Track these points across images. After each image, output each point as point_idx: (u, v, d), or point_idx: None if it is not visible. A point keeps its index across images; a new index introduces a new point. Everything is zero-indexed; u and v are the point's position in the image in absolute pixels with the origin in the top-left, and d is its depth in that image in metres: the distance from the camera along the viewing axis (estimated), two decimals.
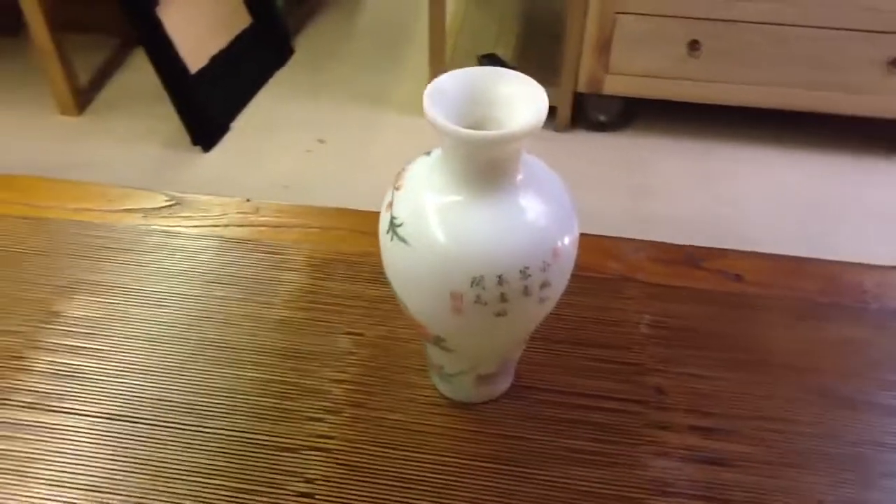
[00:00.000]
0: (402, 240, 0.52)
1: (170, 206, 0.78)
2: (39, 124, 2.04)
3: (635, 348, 0.67)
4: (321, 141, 2.03)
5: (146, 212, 0.78)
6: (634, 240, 0.77)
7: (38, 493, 0.56)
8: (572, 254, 0.54)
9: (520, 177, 0.52)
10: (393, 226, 0.53)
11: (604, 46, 1.92)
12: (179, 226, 0.76)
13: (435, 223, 0.51)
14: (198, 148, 1.98)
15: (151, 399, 0.62)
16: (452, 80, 0.51)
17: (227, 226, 0.76)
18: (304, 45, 2.34)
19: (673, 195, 1.89)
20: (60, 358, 0.65)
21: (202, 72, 1.98)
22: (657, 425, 0.62)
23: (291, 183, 1.89)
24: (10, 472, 0.57)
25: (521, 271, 0.50)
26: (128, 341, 0.66)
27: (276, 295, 0.70)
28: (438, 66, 2.03)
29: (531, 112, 0.49)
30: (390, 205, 0.54)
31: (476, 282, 0.50)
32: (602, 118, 2.07)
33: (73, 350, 0.65)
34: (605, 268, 0.73)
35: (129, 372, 0.64)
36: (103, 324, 0.67)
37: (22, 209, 0.77)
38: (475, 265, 0.50)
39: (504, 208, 0.51)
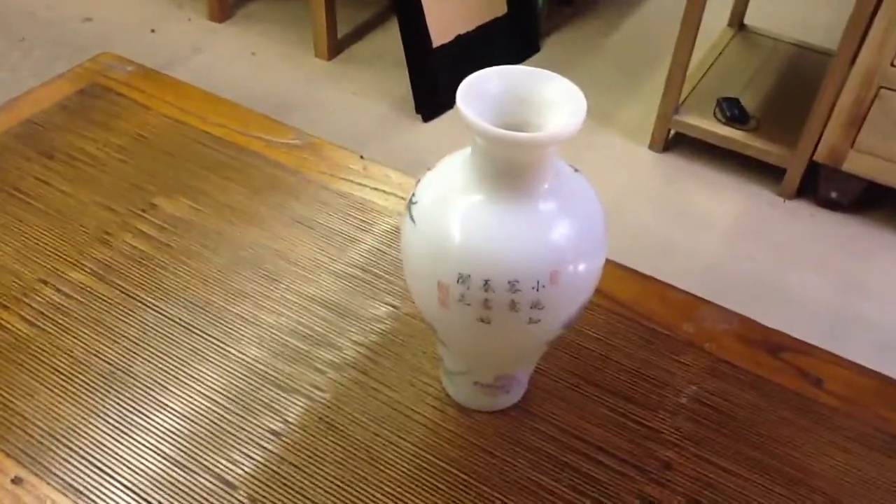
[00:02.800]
0: (412, 218, 0.51)
1: (296, 144, 0.82)
2: (296, 60, 2.22)
3: (663, 415, 0.61)
4: None
5: (272, 144, 0.82)
6: (726, 309, 0.70)
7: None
8: (584, 284, 0.51)
9: (545, 186, 0.49)
10: (410, 203, 0.52)
11: (855, 119, 1.75)
12: (295, 164, 0.80)
13: (441, 211, 0.50)
14: (418, 116, 2.06)
15: (194, 302, 0.66)
16: (496, 77, 0.49)
17: (332, 175, 0.79)
18: (551, 46, 2.35)
19: (890, 300, 1.69)
20: (137, 243, 0.71)
21: (444, 47, 2.05)
22: (647, 499, 0.56)
23: None
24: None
25: (509, 283, 0.48)
26: (195, 246, 0.71)
27: (344, 249, 0.72)
28: (672, 99, 1.96)
29: (565, 120, 0.47)
30: (418, 182, 0.53)
31: (462, 279, 0.49)
32: (834, 195, 1.90)
33: (151, 240, 0.71)
34: (675, 327, 0.68)
35: (184, 270, 0.69)
36: (185, 227, 0.73)
37: (174, 111, 0.85)
38: (463, 262, 0.48)
39: (512, 215, 0.49)
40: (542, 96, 0.49)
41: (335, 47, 2.22)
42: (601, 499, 0.56)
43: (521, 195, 0.49)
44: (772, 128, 1.94)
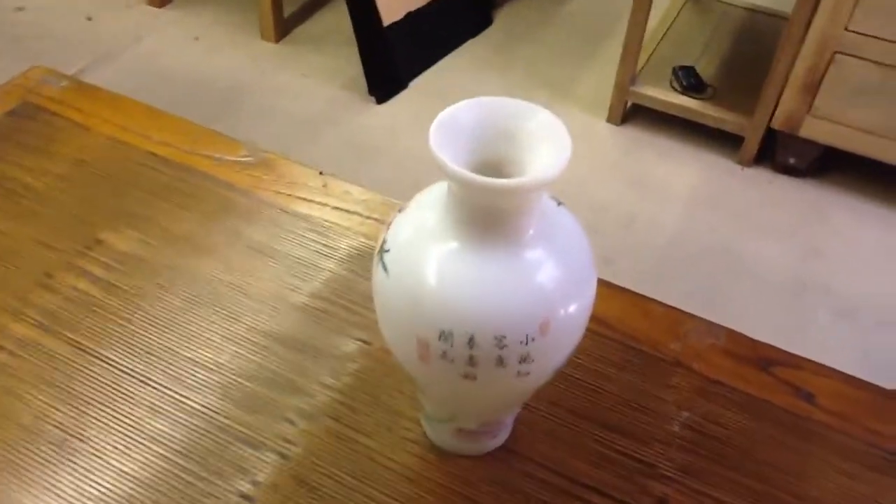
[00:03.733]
0: (384, 266, 0.47)
1: (248, 162, 0.77)
2: (242, 44, 2.13)
3: (657, 447, 0.59)
4: None
5: (223, 162, 0.77)
6: (712, 323, 0.67)
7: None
8: (576, 325, 0.47)
9: (530, 233, 0.45)
10: (382, 249, 0.48)
11: (811, 85, 1.74)
12: (249, 184, 0.75)
13: (416, 260, 0.46)
14: (372, 98, 2.00)
15: (149, 350, 0.61)
16: (473, 108, 0.45)
17: (289, 195, 0.74)
18: (503, 19, 2.30)
19: (848, 265, 1.70)
20: (83, 285, 0.66)
21: (394, 25, 1.99)
22: None
23: None
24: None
25: (496, 338, 0.44)
26: (146, 286, 0.66)
27: (308, 279, 0.67)
28: (629, 69, 1.92)
29: (550, 159, 0.43)
30: (390, 225, 0.49)
31: (444, 336, 0.45)
32: (792, 161, 1.89)
33: (98, 281, 0.66)
34: (661, 346, 0.65)
35: (137, 315, 0.64)
36: (135, 264, 0.67)
37: (115, 130, 0.79)
38: (444, 318, 0.44)
39: (495, 265, 0.45)
40: (522, 129, 0.45)
41: (282, 28, 2.14)
42: None
43: (505, 242, 0.45)
44: (728, 95, 1.93)
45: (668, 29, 2.15)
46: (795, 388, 0.63)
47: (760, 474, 0.58)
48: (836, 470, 0.58)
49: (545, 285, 0.45)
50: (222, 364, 0.61)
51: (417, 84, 2.04)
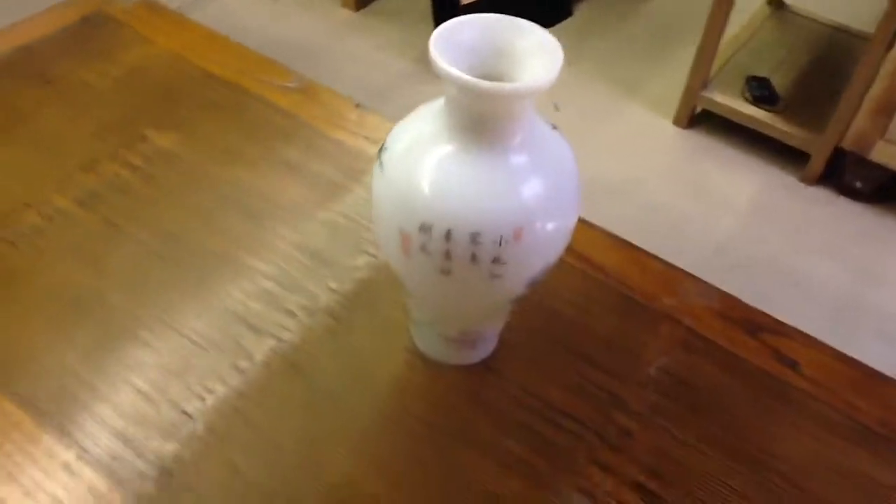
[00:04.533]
0: (381, 164, 0.51)
1: (293, 87, 0.82)
2: (319, 8, 2.20)
3: (631, 386, 0.61)
4: (556, 107, 2.00)
5: (270, 86, 0.82)
6: (709, 284, 0.69)
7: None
8: (550, 244, 0.50)
9: (516, 140, 0.48)
10: (381, 149, 0.52)
11: (887, 108, 1.71)
12: (290, 107, 0.79)
13: (408, 159, 0.49)
14: None
15: (173, 236, 0.66)
16: (474, 25, 0.48)
17: (326, 121, 0.78)
18: (583, 13, 2.31)
19: None
20: (123, 173, 0.71)
21: (472, 6, 2.02)
22: (602, 465, 0.56)
23: None
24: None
25: (470, 235, 0.47)
26: (180, 181, 0.71)
27: (331, 196, 0.71)
28: (701, 73, 1.92)
29: (539, 72, 0.46)
30: (392, 130, 0.52)
31: (424, 228, 0.48)
32: (857, 184, 1.86)
33: (137, 171, 0.71)
34: (654, 298, 0.67)
35: (167, 204, 0.69)
36: (173, 161, 0.72)
37: (175, 46, 0.84)
38: (425, 211, 0.48)
39: (479, 167, 0.48)
40: (519, 48, 0.48)
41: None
42: (556, 461, 0.56)
43: (491, 148, 0.48)
44: (800, 111, 1.90)
45: (748, 38, 2.13)
46: (780, 355, 0.64)
47: (730, 425, 0.59)
48: (808, 434, 0.60)
49: (522, 192, 0.48)
50: (238, 257, 0.65)
51: None
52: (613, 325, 0.65)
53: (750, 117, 1.92)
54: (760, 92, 1.94)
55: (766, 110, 1.92)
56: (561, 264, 0.67)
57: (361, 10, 2.21)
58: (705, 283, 0.69)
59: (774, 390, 0.62)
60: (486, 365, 0.61)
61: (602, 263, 0.69)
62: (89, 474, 0.52)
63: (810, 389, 0.62)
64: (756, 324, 0.66)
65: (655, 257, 0.70)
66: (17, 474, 0.52)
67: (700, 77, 1.93)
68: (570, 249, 0.68)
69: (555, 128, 0.52)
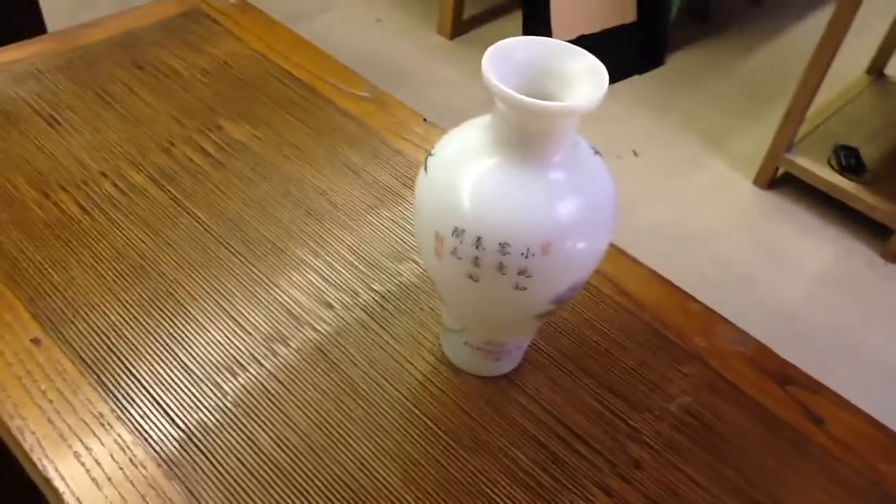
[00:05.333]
0: (426, 168, 0.53)
1: (365, 96, 0.85)
2: (417, 33, 2.26)
3: (649, 418, 0.61)
4: (635, 153, 2.01)
5: (344, 92, 0.85)
6: (745, 333, 0.69)
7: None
8: (578, 263, 0.52)
9: (556, 158, 0.50)
10: (428, 155, 0.54)
11: None
12: (360, 114, 0.83)
13: (451, 165, 0.52)
14: None
15: (232, 220, 0.70)
16: (524, 46, 0.50)
17: (393, 131, 0.82)
18: (677, 62, 2.31)
19: None
20: (196, 157, 0.75)
21: None
22: (607, 490, 0.57)
23: None
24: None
25: (500, 244, 0.49)
26: (247, 171, 0.75)
27: (387, 202, 0.74)
28: (787, 135, 1.90)
29: (581, 94, 0.48)
30: (442, 136, 0.55)
31: (457, 233, 0.50)
32: None
33: (209, 157, 0.76)
34: (687, 338, 0.67)
35: (232, 190, 0.73)
36: (244, 151, 0.77)
37: (261, 46, 0.89)
38: (459, 216, 0.50)
39: (515, 179, 0.50)
40: (568, 71, 0.50)
41: (459, 27, 2.25)
42: (563, 481, 0.57)
43: (531, 163, 0.50)
44: (887, 185, 1.86)
45: (842, 106, 2.10)
46: (807, 410, 0.64)
47: (743, 471, 0.59)
48: (825, 492, 0.59)
49: (555, 209, 0.50)
50: (290, 248, 0.69)
51: None
52: (641, 359, 0.65)
53: (834, 185, 1.88)
54: (848, 161, 1.91)
55: (851, 180, 1.88)
56: (598, 294, 0.68)
57: (456, 38, 2.26)
58: (742, 330, 0.69)
59: (796, 444, 0.61)
60: (509, 379, 0.62)
61: (640, 298, 0.69)
62: (120, 428, 0.56)
63: (833, 448, 0.61)
64: (787, 376, 0.66)
65: (695, 299, 0.70)
66: (54, 419, 0.55)
67: (785, 139, 1.91)
68: (609, 280, 0.69)
69: (597, 153, 0.54)
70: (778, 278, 1.77)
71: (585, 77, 0.49)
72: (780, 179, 2.00)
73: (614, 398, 0.62)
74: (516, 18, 2.32)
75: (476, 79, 2.14)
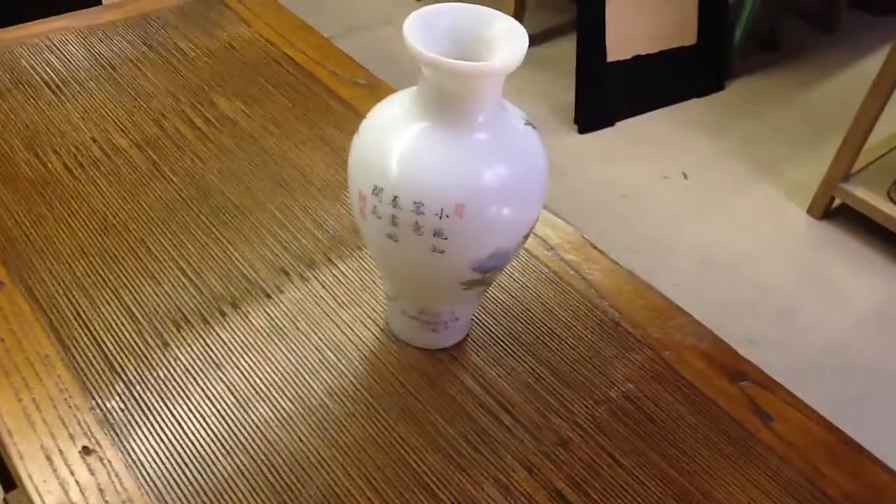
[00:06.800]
0: (358, 131, 0.54)
1: (361, 83, 0.87)
2: None
3: (586, 401, 0.60)
4: (685, 175, 1.98)
5: (340, 78, 0.88)
6: (704, 327, 0.67)
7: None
8: (497, 228, 0.52)
9: (477, 121, 0.50)
10: (364, 119, 0.55)
11: None
12: (352, 99, 0.85)
13: (377, 127, 0.53)
14: (575, 126, 2.06)
15: (206, 187, 0.73)
16: (445, 13, 0.51)
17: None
18: (736, 89, 2.27)
19: None
20: (183, 129, 0.79)
21: (619, 64, 2.04)
22: (527, 465, 0.56)
23: (630, 196, 1.88)
24: None
25: (414, 203, 0.50)
26: (228, 143, 0.77)
27: None
28: (843, 166, 1.84)
29: (501, 56, 0.48)
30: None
31: (376, 191, 0.51)
32: None
33: (195, 129, 0.79)
34: (641, 327, 0.66)
35: (212, 160, 0.75)
36: (230, 126, 0.79)
37: (268, 32, 0.93)
38: (378, 175, 0.51)
39: (434, 141, 0.50)
40: (489, 35, 0.50)
41: None
42: (484, 453, 0.56)
43: (452, 126, 0.50)
44: None
45: None
46: (756, 406, 0.62)
47: (673, 459, 0.57)
48: (760, 490, 0.57)
49: (469, 170, 0.50)
50: (258, 217, 0.71)
51: (624, 125, 2.08)
52: (589, 344, 0.64)
53: (892, 219, 1.81)
54: None
55: None
56: (558, 280, 0.68)
57: None
58: (702, 325, 0.67)
59: (737, 439, 0.59)
60: (449, 353, 0.63)
61: (602, 288, 0.69)
62: (62, 370, 0.58)
63: (777, 446, 0.59)
64: (741, 373, 0.64)
65: (658, 292, 0.69)
66: (1, 356, 0.58)
67: (842, 168, 1.85)
68: (572, 268, 0.69)
69: (529, 124, 0.54)
70: (823, 310, 1.71)
71: (506, 40, 0.50)
72: (835, 210, 1.93)
73: (554, 380, 0.62)
74: (574, 39, 2.32)
75: (526, 95, 2.14)
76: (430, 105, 0.51)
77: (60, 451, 0.53)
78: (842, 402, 1.51)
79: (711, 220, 1.87)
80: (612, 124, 2.07)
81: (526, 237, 0.55)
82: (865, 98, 1.77)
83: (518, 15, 2.18)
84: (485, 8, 0.51)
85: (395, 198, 0.50)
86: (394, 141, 0.51)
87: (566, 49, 2.30)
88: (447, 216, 0.50)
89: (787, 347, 1.63)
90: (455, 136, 0.50)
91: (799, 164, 2.05)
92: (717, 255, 1.78)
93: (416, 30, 0.49)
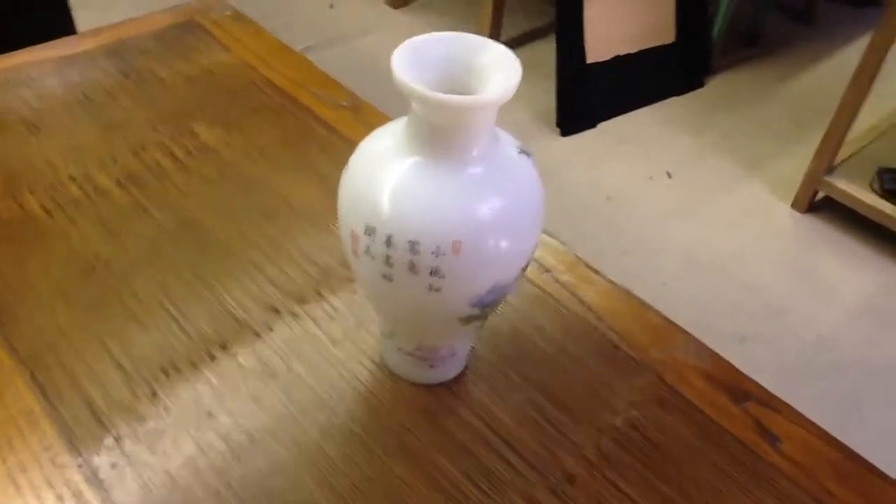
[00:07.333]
0: (348, 167, 0.53)
1: (344, 105, 0.85)
2: None
3: (590, 432, 0.59)
4: (669, 174, 1.97)
5: (322, 100, 0.86)
6: (704, 346, 0.66)
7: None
8: (495, 263, 0.50)
9: (471, 155, 0.49)
10: (354, 153, 0.53)
11: None
12: (335, 122, 0.83)
13: (367, 162, 0.51)
14: (558, 129, 2.05)
15: (189, 222, 0.71)
16: (434, 43, 0.49)
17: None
18: (716, 86, 2.27)
19: None
20: (164, 161, 0.77)
21: (599, 65, 2.03)
22: (531, 502, 0.54)
23: (616, 197, 1.87)
24: None
25: (409, 242, 0.48)
26: (211, 174, 0.75)
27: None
28: (826, 157, 1.84)
29: (494, 87, 0.46)
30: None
31: (368, 231, 0.49)
32: None
33: (176, 162, 0.77)
34: (641, 350, 0.65)
35: (193, 193, 0.73)
36: (212, 156, 0.77)
37: (248, 55, 0.91)
38: (370, 214, 0.49)
39: (427, 177, 0.49)
40: (480, 64, 0.49)
41: None
42: (488, 492, 0.55)
43: (444, 160, 0.49)
44: None
45: (888, 128, 2.02)
46: (762, 428, 0.61)
47: (681, 487, 0.56)
48: None
49: (465, 206, 0.48)
50: (244, 252, 0.69)
51: (606, 126, 2.07)
52: (589, 370, 0.63)
53: (876, 210, 1.82)
54: (891, 185, 1.84)
55: (895, 204, 1.81)
56: (553, 303, 0.67)
57: None
58: (702, 343, 0.66)
59: (744, 461, 0.58)
60: (447, 387, 0.61)
61: (598, 309, 0.67)
62: (47, 426, 0.56)
63: (786, 468, 0.58)
64: (744, 392, 0.63)
65: (655, 311, 0.68)
66: None
67: (825, 160, 1.85)
68: (566, 290, 0.68)
69: (524, 152, 0.52)
70: (814, 306, 1.71)
71: (498, 68, 0.48)
72: (819, 203, 1.93)
73: (556, 410, 0.60)
74: (553, 41, 2.31)
75: (509, 102, 2.14)
76: (421, 139, 0.49)
77: None
78: (836, 398, 1.50)
79: (697, 218, 1.87)
80: (594, 126, 2.06)
81: (524, 268, 0.53)
82: (846, 90, 1.77)
83: (496, 19, 2.16)
84: (475, 36, 0.50)
85: (389, 237, 0.49)
86: (385, 177, 0.49)
87: (545, 52, 2.29)
88: (444, 254, 0.48)
89: (778, 344, 1.62)
90: (448, 171, 0.49)
91: (782, 158, 2.05)
92: (704, 254, 1.78)
93: (405, 62, 0.48)
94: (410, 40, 0.49)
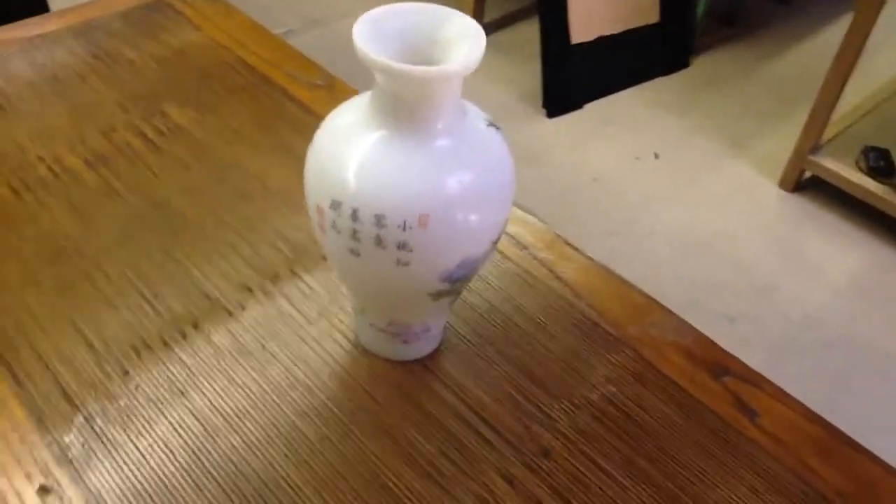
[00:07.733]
0: (313, 142, 0.52)
1: (318, 84, 0.84)
2: None
3: (566, 406, 0.58)
4: (656, 155, 1.96)
5: (296, 79, 0.85)
6: (685, 322, 0.65)
7: None
8: (464, 237, 0.49)
9: (437, 128, 0.48)
10: (319, 127, 0.52)
11: None
12: (309, 101, 0.82)
13: (332, 136, 0.50)
14: (544, 110, 2.04)
15: (161, 203, 0.70)
16: (397, 13, 0.48)
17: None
18: (701, 66, 2.26)
19: None
20: (135, 142, 0.75)
21: (582, 46, 2.02)
22: (509, 478, 0.54)
23: (602, 179, 1.87)
24: None
25: (375, 216, 0.47)
26: (184, 155, 0.74)
27: None
28: (812, 136, 1.83)
29: (458, 58, 0.45)
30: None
31: (334, 205, 0.49)
32: None
33: (148, 142, 0.75)
34: (620, 326, 0.64)
35: (165, 174, 0.72)
36: (183, 136, 0.76)
37: (220, 35, 0.89)
38: (335, 188, 0.48)
39: (392, 150, 0.48)
40: (445, 36, 0.48)
41: None
42: (463, 467, 0.54)
43: (409, 134, 0.48)
44: None
45: (873, 107, 2.02)
46: (741, 403, 0.60)
47: (659, 462, 0.56)
48: (749, 488, 0.55)
49: (432, 179, 0.47)
50: (217, 232, 0.68)
51: (592, 107, 2.06)
52: (567, 346, 0.62)
53: (862, 188, 1.81)
54: (877, 163, 1.83)
55: (880, 182, 1.81)
56: (532, 280, 0.66)
57: None
58: (682, 319, 0.65)
59: (723, 436, 0.58)
60: (422, 363, 0.60)
61: (577, 286, 0.67)
62: (15, 406, 0.55)
63: (765, 443, 0.58)
64: (724, 367, 0.62)
65: (636, 288, 0.67)
66: None
67: (811, 140, 1.84)
68: (545, 267, 0.67)
69: (491, 125, 0.51)
70: (800, 284, 1.71)
71: (463, 40, 0.47)
72: (806, 183, 1.93)
73: (532, 386, 0.60)
74: (536, 23, 2.29)
75: (494, 85, 2.12)
76: (386, 112, 0.48)
77: (17, 493, 0.50)
78: (822, 375, 1.50)
79: (684, 198, 1.86)
80: (580, 107, 2.05)
81: (495, 242, 0.52)
82: (830, 69, 1.76)
83: (478, 0, 2.14)
84: (439, 6, 0.49)
85: (355, 211, 0.48)
86: (350, 151, 0.48)
87: (529, 33, 2.28)
88: (411, 228, 0.47)
89: (765, 323, 1.62)
90: (414, 144, 0.48)
91: (767, 137, 2.05)
92: (692, 234, 1.78)
93: (367, 33, 0.47)
94: (372, 11, 0.48)
